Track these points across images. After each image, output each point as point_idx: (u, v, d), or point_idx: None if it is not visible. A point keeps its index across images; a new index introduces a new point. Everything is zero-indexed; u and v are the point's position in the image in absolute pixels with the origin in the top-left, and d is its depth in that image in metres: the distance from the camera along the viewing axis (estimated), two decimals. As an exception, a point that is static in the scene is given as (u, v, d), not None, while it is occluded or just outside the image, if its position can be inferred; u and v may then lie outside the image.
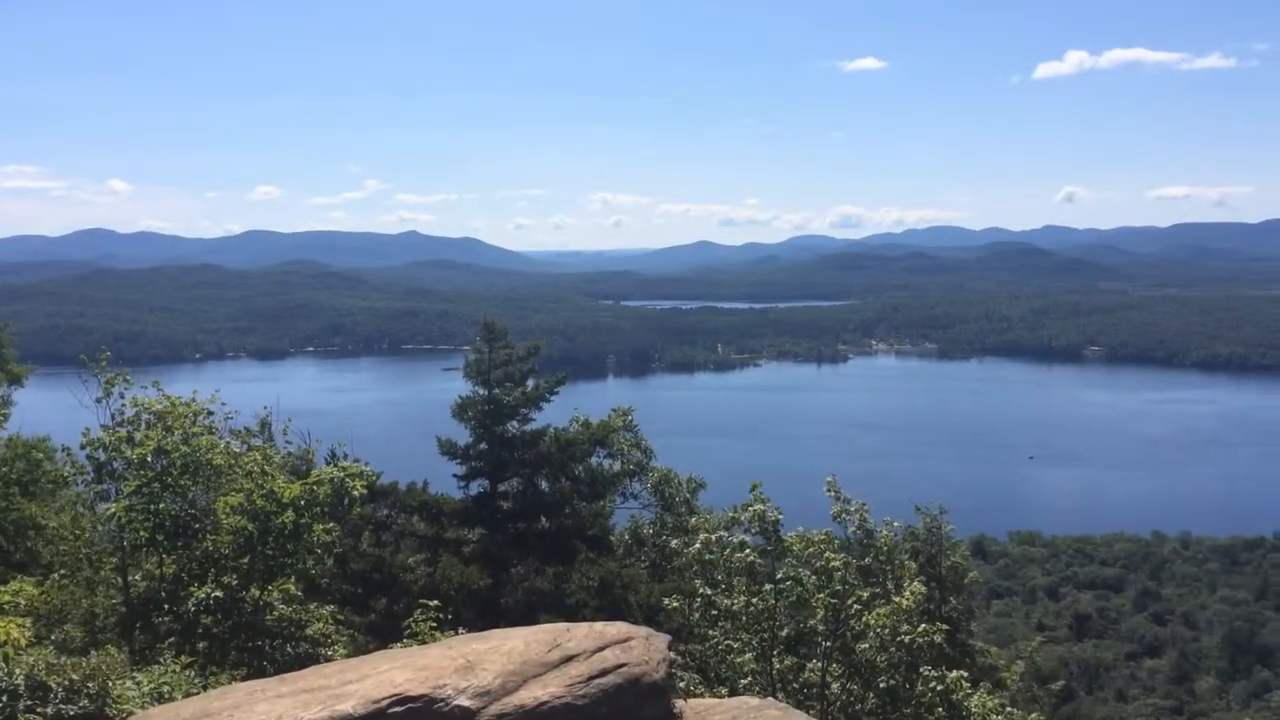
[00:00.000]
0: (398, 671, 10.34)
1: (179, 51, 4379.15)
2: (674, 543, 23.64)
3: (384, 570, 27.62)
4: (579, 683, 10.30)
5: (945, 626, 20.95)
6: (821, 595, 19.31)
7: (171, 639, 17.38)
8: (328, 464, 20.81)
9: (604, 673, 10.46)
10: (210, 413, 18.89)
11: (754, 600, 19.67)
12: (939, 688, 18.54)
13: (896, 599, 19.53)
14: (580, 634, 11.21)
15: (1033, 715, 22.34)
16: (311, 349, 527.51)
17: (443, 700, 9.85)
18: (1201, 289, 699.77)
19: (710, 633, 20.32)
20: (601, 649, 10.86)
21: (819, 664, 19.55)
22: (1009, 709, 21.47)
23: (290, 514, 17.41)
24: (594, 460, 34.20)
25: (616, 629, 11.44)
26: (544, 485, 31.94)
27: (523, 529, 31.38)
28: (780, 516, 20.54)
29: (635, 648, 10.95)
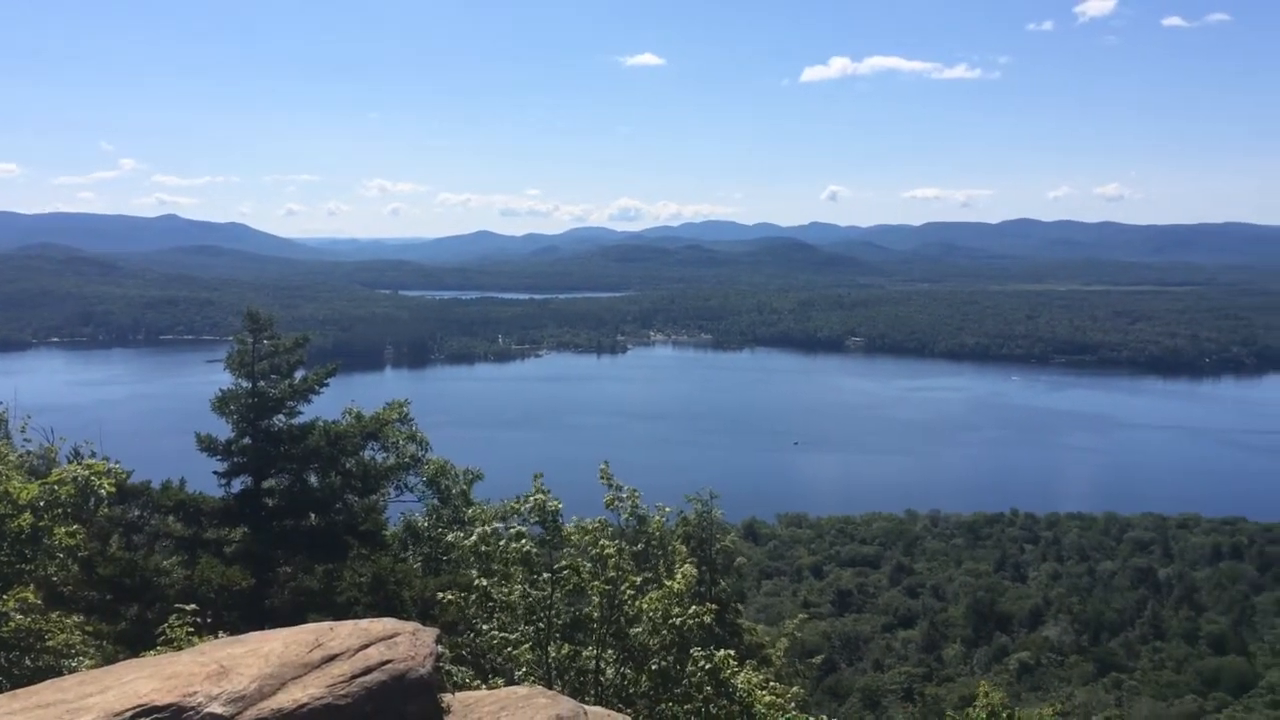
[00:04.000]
0: (144, 681, 9.69)
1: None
2: (450, 536, 23.33)
3: (136, 574, 25.80)
4: (341, 682, 9.98)
5: (715, 607, 21.62)
6: (596, 582, 19.53)
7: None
8: (70, 462, 19.30)
9: (368, 670, 10.19)
10: (-72, 410, 17.18)
11: (531, 590, 19.69)
12: (707, 667, 19.10)
13: (668, 583, 19.99)
14: (344, 632, 10.87)
15: (794, 688, 23.38)
16: (57, 340, 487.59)
17: (193, 709, 9.31)
18: (949, 284, 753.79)
19: (486, 625, 20.18)
20: (366, 646, 10.57)
21: (594, 650, 19.77)
22: (773, 683, 22.41)
23: (28, 516, 16.11)
24: (367, 454, 33.24)
25: (382, 625, 11.17)
26: (313, 480, 30.76)
27: (290, 526, 30.09)
28: (560, 506, 20.65)
29: (401, 643, 10.73)
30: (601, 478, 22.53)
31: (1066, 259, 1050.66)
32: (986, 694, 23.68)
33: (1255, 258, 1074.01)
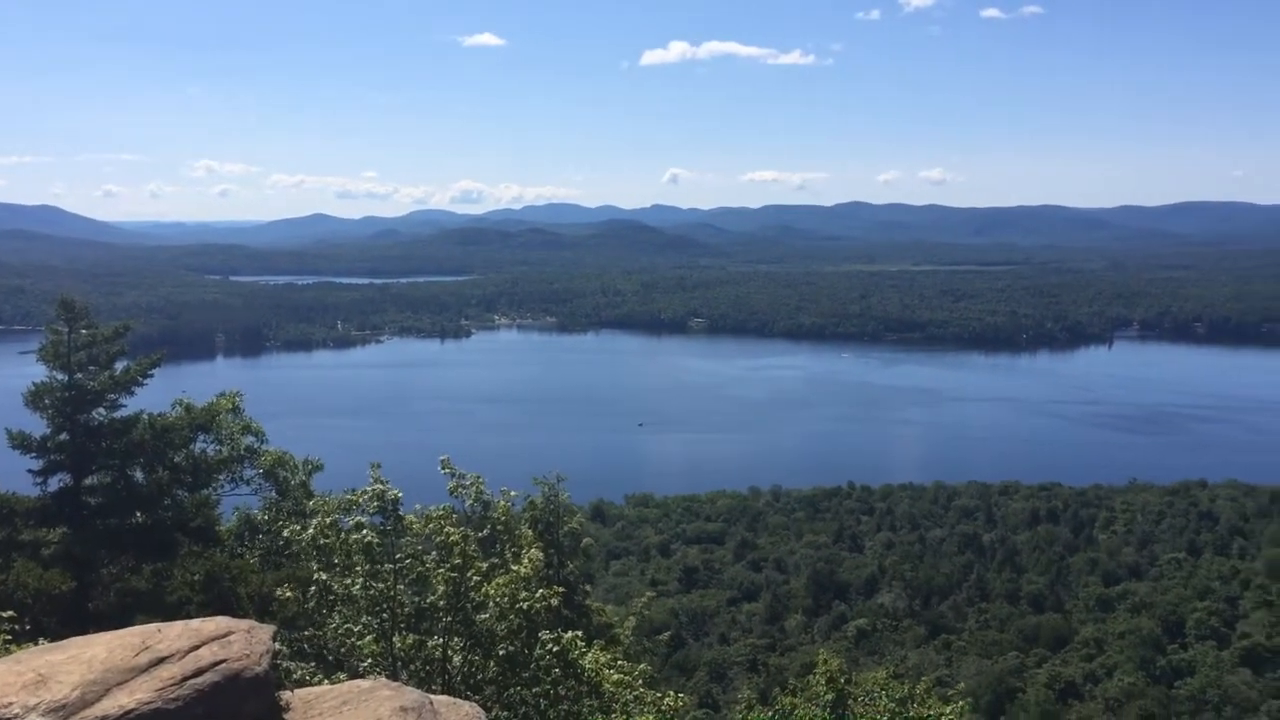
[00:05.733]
0: (-49, 696, 9.09)
1: None
2: (288, 529, 22.68)
3: (-58, 583, 24.13)
4: (171, 685, 9.59)
5: (562, 590, 21.69)
6: (442, 570, 19.32)
7: None
8: None
9: (199, 672, 9.81)
10: None
11: (373, 581, 19.32)
12: (555, 649, 19.18)
13: (515, 567, 19.94)
14: (173, 633, 10.43)
15: (642, 665, 23.70)
16: None
17: (7, 722, 8.81)
18: (788, 265, 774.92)
19: (329, 618, 19.70)
20: (197, 647, 10.17)
21: (440, 639, 19.57)
22: (621, 662, 22.67)
23: None
24: (197, 447, 31.91)
25: (215, 624, 10.77)
26: (139, 476, 29.33)
27: (114, 525, 28.62)
28: (400, 495, 20.30)
29: (235, 642, 10.36)
30: (443, 468, 22.26)
31: (896, 240, 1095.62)
32: (825, 661, 24.60)
33: (1068, 238, 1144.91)
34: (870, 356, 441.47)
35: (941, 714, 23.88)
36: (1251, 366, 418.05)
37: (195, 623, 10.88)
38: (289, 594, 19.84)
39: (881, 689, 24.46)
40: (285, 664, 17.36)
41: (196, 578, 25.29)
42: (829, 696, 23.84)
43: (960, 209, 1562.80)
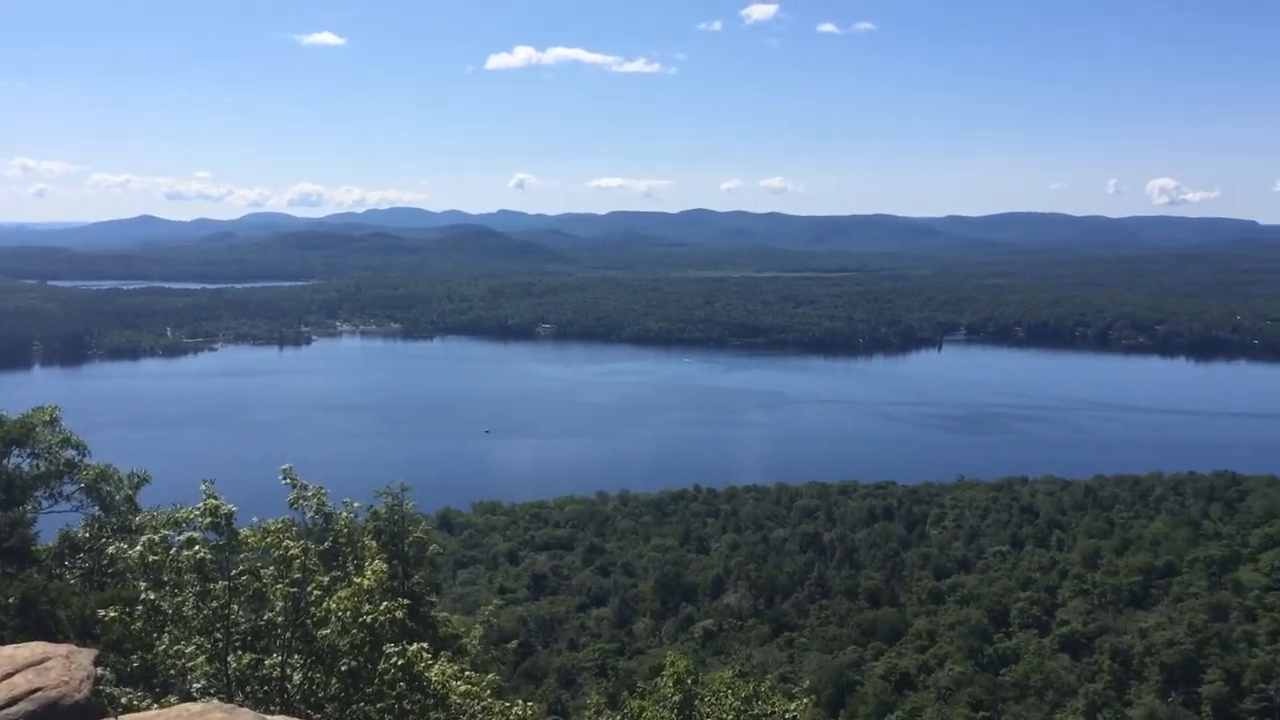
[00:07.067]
0: None
1: None
2: (113, 547, 21.58)
3: None
4: (-19, 718, 8.99)
5: (407, 602, 21.32)
6: (280, 585, 18.73)
7: None
8: None
9: (13, 701, 9.22)
10: None
11: (206, 600, 18.57)
12: (400, 663, 18.84)
13: (358, 580, 19.47)
14: (-16, 662, 9.77)
15: (490, 675, 23.49)
16: None
17: None
18: (634, 271, 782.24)
19: (158, 639, 18.81)
20: (11, 675, 9.56)
21: (279, 657, 18.95)
22: (468, 673, 22.41)
23: None
24: (10, 462, 29.99)
25: (30, 650, 10.14)
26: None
27: (-84, 548, 26.64)
28: (234, 509, 19.59)
29: (53, 669, 9.79)
30: (284, 479, 21.55)
31: (739, 247, 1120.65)
32: (673, 663, 24.91)
33: (900, 246, 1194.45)
34: (715, 361, 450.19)
35: (786, 710, 24.49)
36: (1066, 368, 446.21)
37: (9, 649, 10.23)
38: (114, 615, 18.86)
39: (728, 688, 24.91)
40: (110, 690, 16.50)
41: (11, 601, 23.77)
42: (676, 698, 24.13)
43: (800, 217, 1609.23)
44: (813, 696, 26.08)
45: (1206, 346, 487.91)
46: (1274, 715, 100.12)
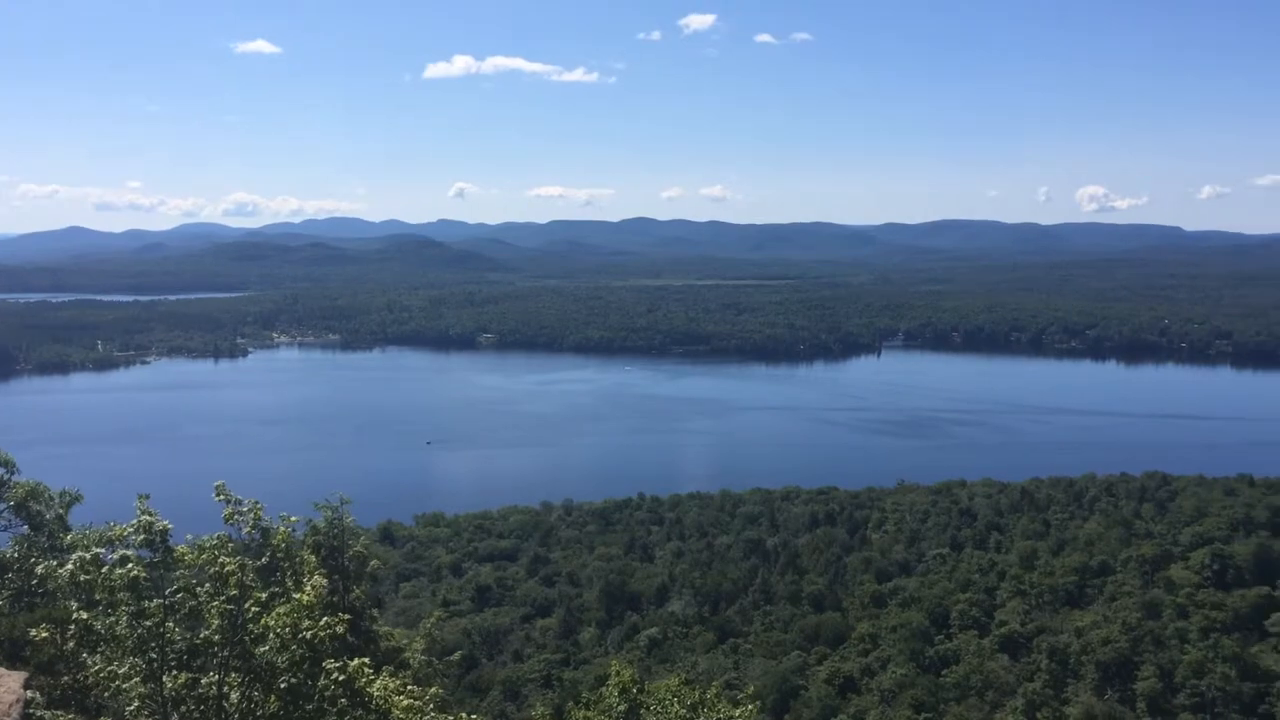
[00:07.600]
0: None
1: None
2: (43, 566, 21.03)
3: None
4: (-96, 747, 8.71)
5: (348, 616, 21.06)
6: (216, 603, 18.39)
7: None
8: None
9: (-62, 729, 8.96)
10: None
11: (140, 619, 18.17)
12: (341, 679, 18.59)
13: (297, 596, 19.19)
14: (-94, 689, 9.47)
15: (433, 689, 23.29)
16: None
17: None
18: (576, 280, 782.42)
19: (90, 660, 18.37)
20: (-65, 702, 9.28)
21: (216, 675, 18.60)
22: (411, 687, 22.20)
23: None
24: (-67, 482, 29.10)
25: (-44, 676, 9.86)
26: None
27: None
28: (169, 526, 19.20)
29: (-20, 694, 9.52)
30: (218, 495, 21.17)
31: (681, 255, 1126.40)
32: (618, 673, 24.92)
33: (839, 253, 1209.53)
34: (658, 369, 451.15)
35: (731, 717, 24.60)
36: (1000, 372, 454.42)
37: (-68, 676, 9.93)
38: (44, 636, 18.40)
39: (673, 696, 24.97)
40: (40, 713, 16.09)
41: (-66, 625, 23.03)
42: (622, 708, 24.15)
43: (740, 225, 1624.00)
44: (758, 702, 26.25)
45: (1136, 350, 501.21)
46: (1206, 710, 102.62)
